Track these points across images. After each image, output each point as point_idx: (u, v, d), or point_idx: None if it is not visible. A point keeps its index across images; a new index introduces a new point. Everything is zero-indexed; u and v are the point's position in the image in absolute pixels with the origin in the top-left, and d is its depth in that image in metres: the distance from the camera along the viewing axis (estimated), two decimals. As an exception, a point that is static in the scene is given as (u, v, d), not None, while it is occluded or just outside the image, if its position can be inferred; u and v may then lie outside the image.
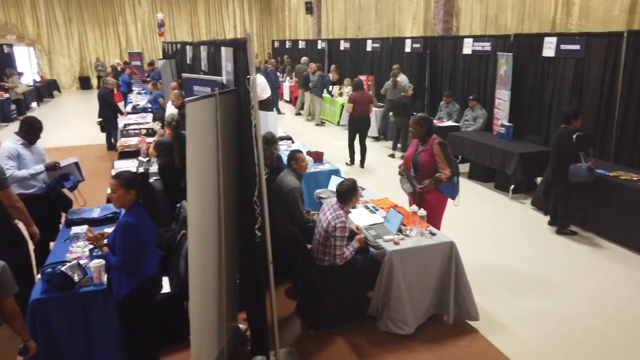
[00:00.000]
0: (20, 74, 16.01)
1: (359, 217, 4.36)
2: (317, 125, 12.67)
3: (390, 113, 9.74)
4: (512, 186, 6.87)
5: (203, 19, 23.51)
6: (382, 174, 8.24)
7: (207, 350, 3.31)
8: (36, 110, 15.67)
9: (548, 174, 5.92)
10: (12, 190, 3.71)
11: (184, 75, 4.91)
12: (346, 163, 8.67)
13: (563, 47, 7.05)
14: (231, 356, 3.59)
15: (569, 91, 6.99)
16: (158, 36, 21.79)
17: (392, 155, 9.25)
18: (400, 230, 3.93)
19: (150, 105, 11.53)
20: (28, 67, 20.67)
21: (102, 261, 3.28)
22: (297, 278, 4.41)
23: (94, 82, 22.43)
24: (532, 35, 8.00)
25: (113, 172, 5.88)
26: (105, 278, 3.27)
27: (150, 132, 8.31)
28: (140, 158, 6.57)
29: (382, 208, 4.54)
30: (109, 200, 5.03)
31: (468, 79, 9.31)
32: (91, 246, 3.79)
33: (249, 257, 3.33)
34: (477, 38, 9.11)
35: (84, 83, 22.41)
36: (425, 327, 3.88)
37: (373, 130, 10.62)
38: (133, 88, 15.20)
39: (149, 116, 10.35)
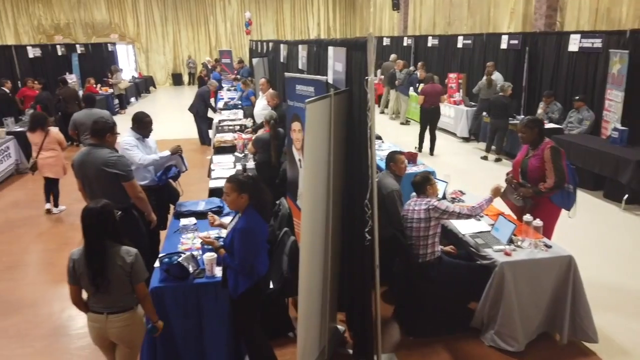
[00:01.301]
0: (121, 71, 17.26)
1: (463, 223, 4.17)
2: (401, 124, 12.44)
3: (484, 113, 9.31)
4: (626, 196, 6.27)
5: (288, 17, 23.97)
6: (476, 177, 7.88)
7: (310, 348, 3.33)
8: (135, 105, 16.79)
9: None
10: (136, 181, 3.96)
11: (287, 74, 4.96)
12: (414, 147, 9.00)
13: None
14: (331, 357, 3.59)
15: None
16: (245, 34, 22.55)
17: (485, 158, 8.83)
18: (511, 241, 3.71)
19: (240, 102, 11.94)
20: (127, 64, 22.27)
21: (214, 254, 3.39)
22: (394, 282, 4.31)
23: (185, 78, 23.73)
24: (652, 30, 7.25)
25: (212, 167, 6.19)
26: (216, 271, 3.39)
27: (243, 129, 8.58)
28: (236, 154, 6.78)
29: (486, 215, 4.31)
30: (211, 194, 5.23)
31: (573, 78, 8.64)
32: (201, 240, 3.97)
33: (357, 259, 3.29)
34: (585, 34, 8.42)
35: (176, 79, 23.75)
36: (535, 345, 3.63)
37: (463, 131, 10.24)
38: (223, 85, 15.80)
39: (240, 112, 10.69)
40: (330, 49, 3.94)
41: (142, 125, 4.54)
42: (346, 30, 24.31)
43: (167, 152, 4.60)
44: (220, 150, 7.58)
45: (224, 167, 6.10)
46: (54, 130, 6.63)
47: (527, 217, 3.81)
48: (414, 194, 5.06)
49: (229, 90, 15.12)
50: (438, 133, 9.48)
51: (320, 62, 4.66)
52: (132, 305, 2.73)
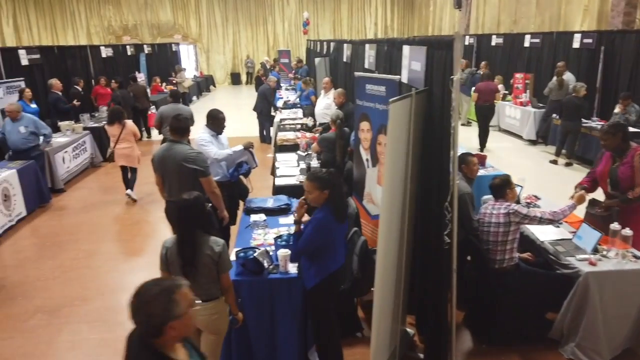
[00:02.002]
0: (184, 70, 17.89)
1: (542, 230, 4.00)
2: (462, 124, 12.12)
3: (555, 115, 8.90)
4: None
5: (346, 16, 23.98)
6: (546, 182, 7.54)
7: (381, 350, 3.30)
8: (196, 103, 17.36)
9: None
10: (212, 177, 4.08)
11: (357, 73, 4.96)
12: (477, 149, 8.99)
13: None
14: (401, 359, 3.54)
15: None
16: (303, 34, 22.75)
17: (555, 162, 8.44)
18: (596, 250, 3.51)
19: (298, 101, 12.07)
20: (188, 63, 23.06)
21: (288, 251, 3.45)
22: (466, 287, 4.20)
23: (243, 78, 24.28)
24: None
25: (277, 165, 6.28)
26: (290, 267, 3.44)
27: (305, 128, 8.66)
28: (299, 152, 6.86)
29: (566, 222, 4.11)
30: (277, 191, 5.31)
31: (654, 79, 8.10)
32: (273, 236, 4.04)
33: (432, 263, 3.23)
34: (670, 31, 7.87)
35: (235, 79, 24.35)
36: (620, 361, 3.43)
37: (530, 133, 9.84)
38: (281, 84, 16.03)
39: (299, 112, 10.80)
40: (406, 47, 3.89)
41: (216, 121, 4.68)
42: (404, 29, 24.00)
43: (240, 147, 4.73)
44: (282, 148, 7.70)
45: (288, 165, 6.19)
46: (130, 123, 7.16)
47: (615, 225, 3.59)
48: (485, 197, 4.92)
49: (287, 89, 15.33)
50: (501, 135, 9.19)
51: (392, 61, 4.60)
52: (217, 294, 2.82)
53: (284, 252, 3.43)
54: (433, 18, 20.48)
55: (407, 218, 3.23)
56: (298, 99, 12.05)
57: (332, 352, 3.36)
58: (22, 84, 8.68)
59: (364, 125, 4.83)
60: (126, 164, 7.11)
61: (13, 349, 3.81)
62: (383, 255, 2.97)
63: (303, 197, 3.25)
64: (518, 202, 4.57)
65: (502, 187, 3.74)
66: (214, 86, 22.89)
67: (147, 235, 6.11)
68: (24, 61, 9.28)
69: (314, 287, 3.08)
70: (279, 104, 12.29)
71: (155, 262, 5.22)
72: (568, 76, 9.37)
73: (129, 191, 7.26)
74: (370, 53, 5.79)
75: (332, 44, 10.22)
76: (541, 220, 3.57)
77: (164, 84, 15.53)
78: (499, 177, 3.87)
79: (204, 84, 20.97)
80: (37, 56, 9.78)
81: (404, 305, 3.65)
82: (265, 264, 3.43)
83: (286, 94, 14.08)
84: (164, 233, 6.10)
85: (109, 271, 5.11)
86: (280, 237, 3.78)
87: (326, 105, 7.33)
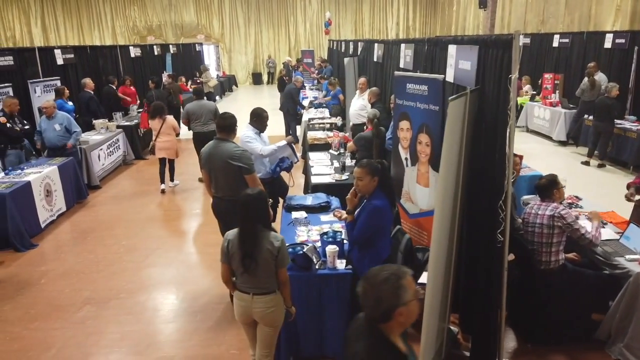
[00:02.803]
0: (209, 70, 18.09)
1: (588, 230, 3.97)
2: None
3: (586, 116, 8.79)
4: None
5: (367, 17, 23.96)
6: (579, 183, 7.46)
7: (429, 346, 3.33)
8: (220, 103, 17.54)
9: None
10: (256, 174, 4.16)
11: (397, 73, 4.98)
12: None
13: None
14: (446, 357, 3.56)
15: None
16: (324, 34, 22.81)
17: (587, 163, 8.34)
18: (646, 250, 3.49)
19: (323, 101, 12.12)
20: (210, 64, 23.29)
21: (336, 247, 3.50)
22: (508, 286, 4.20)
23: (265, 78, 24.44)
24: None
25: (311, 164, 6.34)
26: (338, 263, 3.50)
27: (333, 127, 8.71)
28: (331, 151, 6.91)
29: (610, 222, 4.08)
30: (314, 189, 5.36)
31: (691, 79, 7.95)
32: (316, 232, 4.10)
33: (482, 261, 3.25)
34: None
35: (256, 79, 24.52)
36: (670, 363, 3.40)
37: (560, 134, 9.74)
38: (305, 84, 16.10)
39: (326, 111, 10.86)
40: (452, 47, 3.91)
41: (260, 120, 4.76)
42: (425, 29, 23.89)
43: (283, 142, 4.81)
44: (313, 147, 7.76)
45: (322, 164, 6.24)
46: (170, 118, 7.57)
47: (666, 226, 3.57)
48: (525, 197, 4.91)
49: (310, 89, 15.41)
50: (529, 135, 9.11)
51: (435, 61, 4.62)
52: (274, 288, 2.88)
53: (332, 248, 3.49)
54: (456, 18, 20.36)
55: (458, 217, 3.26)
56: (324, 99, 12.12)
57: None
58: (58, 83, 8.90)
59: (404, 124, 4.86)
60: (166, 157, 7.51)
61: (65, 339, 3.93)
62: (436, 253, 2.99)
63: (353, 188, 3.32)
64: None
65: (548, 187, 3.71)
66: (236, 86, 23.08)
67: (183, 231, 6.23)
68: (60, 60, 9.51)
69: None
70: (305, 103, 12.36)
71: (192, 257, 5.37)
72: (600, 76, 9.26)
73: (163, 185, 7.61)
74: (406, 52, 5.81)
75: (360, 44, 10.23)
76: (583, 237, 3.49)
77: (189, 83, 15.74)
78: (545, 177, 3.84)
79: (227, 84, 21.17)
80: (72, 56, 10.01)
81: (450, 303, 3.67)
82: (315, 260, 3.49)
83: (311, 94, 14.15)
84: (199, 229, 6.23)
85: (149, 266, 5.22)
86: (325, 233, 3.83)
87: (361, 106, 7.37)
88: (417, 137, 4.63)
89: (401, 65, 6.09)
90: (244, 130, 4.76)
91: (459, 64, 3.71)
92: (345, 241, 3.70)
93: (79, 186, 7.08)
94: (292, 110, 10.86)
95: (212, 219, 6.23)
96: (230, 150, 4.04)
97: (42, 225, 6.07)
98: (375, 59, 8.17)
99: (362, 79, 7.57)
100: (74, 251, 5.56)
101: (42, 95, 8.43)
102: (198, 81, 16.50)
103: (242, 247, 2.78)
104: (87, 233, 6.09)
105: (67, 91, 8.32)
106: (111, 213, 6.77)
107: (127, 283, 4.83)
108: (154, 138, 7.45)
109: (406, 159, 4.93)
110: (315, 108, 11.42)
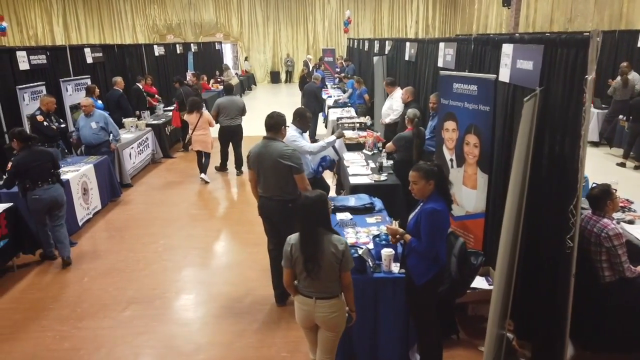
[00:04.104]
0: (230, 69, 18.14)
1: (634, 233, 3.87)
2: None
3: (621, 116, 8.61)
4: None
5: (386, 15, 23.83)
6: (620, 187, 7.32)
7: (489, 354, 3.26)
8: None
9: None
10: (305, 174, 4.11)
11: (442, 72, 4.90)
12: None
13: None
14: (504, 363, 3.49)
15: None
16: (343, 33, 22.71)
17: (622, 165, 8.18)
18: None
19: (348, 100, 12.05)
20: (229, 62, 23.36)
21: (392, 250, 3.44)
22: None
23: (283, 76, 24.44)
24: None
25: (347, 164, 6.28)
26: (393, 267, 3.44)
27: (363, 126, 8.64)
28: (364, 151, 6.85)
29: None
30: (353, 190, 5.31)
31: None
32: (364, 234, 4.05)
33: (546, 267, 3.17)
34: None
35: (274, 77, 24.53)
36: None
37: (593, 134, 9.55)
38: (326, 83, 16.05)
39: (352, 110, 10.79)
40: (508, 46, 3.82)
41: (303, 119, 4.73)
42: (445, 28, 23.68)
43: (332, 137, 4.78)
44: (347, 147, 7.69)
45: (358, 165, 6.17)
46: (206, 113, 8.01)
47: None
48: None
49: (332, 88, 15.34)
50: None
51: (483, 60, 4.53)
52: (337, 292, 2.83)
53: (388, 252, 3.43)
54: (477, 16, 20.14)
55: (522, 221, 3.18)
56: (348, 98, 12.05)
57: (433, 353, 3.34)
58: (89, 82, 8.95)
59: (449, 124, 4.77)
60: (201, 149, 7.91)
61: (116, 337, 3.93)
62: (502, 259, 2.92)
63: (388, 226, 3.35)
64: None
65: (601, 198, 3.44)
66: (255, 84, 23.10)
67: (219, 230, 6.21)
68: (89, 59, 9.56)
69: (426, 282, 3.07)
70: (330, 102, 12.31)
71: (231, 257, 5.34)
72: (634, 76, 9.06)
73: (202, 175, 8.04)
74: (447, 51, 5.72)
75: (387, 42, 10.14)
76: (619, 264, 3.32)
77: (211, 82, 15.78)
78: (598, 186, 3.58)
79: (246, 83, 21.20)
80: (100, 54, 10.06)
81: (509, 309, 3.59)
82: (370, 263, 3.44)
83: (332, 93, 14.09)
84: (235, 229, 6.20)
85: (189, 265, 5.21)
86: (377, 236, 3.77)
87: (389, 105, 7.31)
88: (464, 137, 4.55)
89: (440, 65, 6.00)
90: (288, 130, 4.72)
91: (517, 64, 3.62)
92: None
93: (113, 184, 7.11)
94: (317, 110, 10.80)
95: (247, 218, 6.24)
96: (281, 149, 4.00)
97: (80, 224, 6.10)
98: (407, 58, 8.09)
99: (388, 79, 7.52)
100: (114, 250, 5.57)
101: (73, 94, 8.49)
102: (219, 79, 16.55)
103: (304, 250, 2.74)
104: (123, 231, 6.10)
105: (97, 90, 8.36)
106: (145, 211, 6.78)
107: (170, 282, 4.82)
108: (190, 132, 7.83)
109: (451, 160, 4.85)
110: (341, 107, 11.36)
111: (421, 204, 3.20)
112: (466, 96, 4.45)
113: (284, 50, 24.24)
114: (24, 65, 7.52)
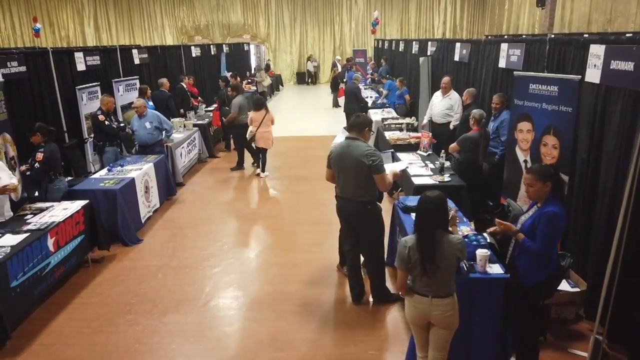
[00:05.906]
0: (263, 70, 18.23)
1: None
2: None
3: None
4: None
5: (414, 15, 23.76)
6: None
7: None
8: (270, 102, 17.66)
9: None
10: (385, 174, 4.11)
11: (517, 73, 4.89)
12: None
13: None
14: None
15: None
16: (371, 34, 22.70)
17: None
18: None
19: (385, 101, 12.04)
20: (258, 63, 23.48)
21: (487, 251, 3.44)
22: None
23: (307, 78, 24.50)
24: None
25: (404, 165, 6.29)
26: (488, 268, 3.44)
27: (409, 127, 8.64)
28: (419, 152, 6.85)
29: None
30: (416, 191, 5.31)
31: None
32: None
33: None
34: None
35: (300, 78, 24.62)
36: None
37: None
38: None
39: (392, 111, 10.77)
40: (599, 47, 3.79)
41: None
42: (473, 29, 23.51)
43: (403, 165, 4.77)
44: (396, 148, 7.70)
45: (417, 165, 6.18)
46: (271, 111, 8.28)
47: None
48: None
49: (365, 88, 15.33)
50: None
51: (562, 60, 4.51)
52: (453, 291, 2.85)
53: (483, 252, 3.43)
54: (508, 17, 19.94)
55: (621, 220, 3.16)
56: (385, 98, 12.03)
57: (531, 354, 3.33)
58: (137, 82, 9.10)
59: (524, 125, 4.76)
60: (264, 146, 8.21)
61: (201, 330, 4.00)
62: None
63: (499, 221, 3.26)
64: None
65: None
66: (282, 85, 23.21)
67: (279, 229, 6.24)
68: (136, 60, 9.72)
69: (535, 285, 3.07)
70: (369, 102, 12.27)
71: (298, 256, 5.39)
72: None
73: (261, 172, 8.37)
74: (511, 52, 5.70)
75: (430, 43, 10.10)
76: None
77: (243, 83, 15.90)
78: None
79: (275, 84, 21.31)
80: (145, 55, 10.22)
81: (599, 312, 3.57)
82: (464, 263, 3.44)
83: (366, 93, 14.08)
84: (297, 228, 6.23)
85: (260, 264, 5.28)
86: (466, 236, 3.78)
87: (448, 105, 7.28)
88: (541, 139, 4.53)
89: (502, 65, 5.98)
90: (338, 135, 4.80)
91: (612, 65, 3.60)
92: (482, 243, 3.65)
93: (169, 183, 7.22)
94: (358, 110, 10.80)
95: (308, 217, 6.25)
96: (363, 148, 4.03)
97: (142, 221, 6.21)
98: (457, 59, 8.06)
99: (446, 78, 7.45)
100: (179, 247, 5.66)
101: (124, 94, 8.64)
102: (249, 80, 16.68)
103: (422, 250, 2.76)
104: (185, 229, 6.19)
105: (149, 91, 8.50)
106: (202, 209, 6.87)
107: (242, 280, 4.88)
108: (254, 129, 8.05)
109: (525, 161, 4.83)
110: (379, 108, 11.35)
111: (536, 205, 3.19)
112: (545, 97, 4.44)
113: (310, 51, 24.31)
114: (80, 66, 7.70)
